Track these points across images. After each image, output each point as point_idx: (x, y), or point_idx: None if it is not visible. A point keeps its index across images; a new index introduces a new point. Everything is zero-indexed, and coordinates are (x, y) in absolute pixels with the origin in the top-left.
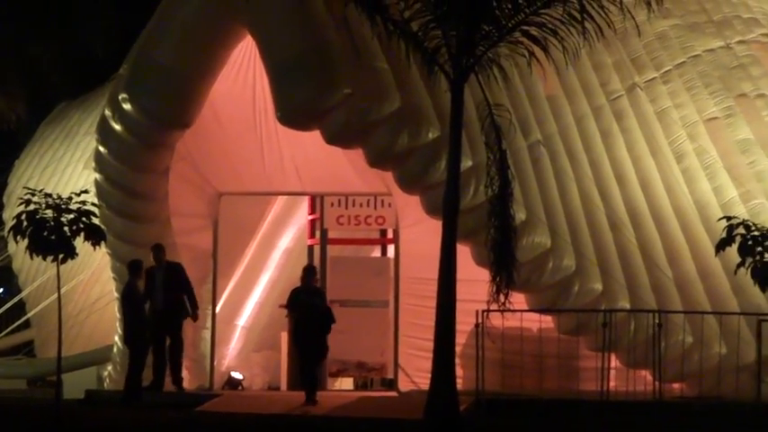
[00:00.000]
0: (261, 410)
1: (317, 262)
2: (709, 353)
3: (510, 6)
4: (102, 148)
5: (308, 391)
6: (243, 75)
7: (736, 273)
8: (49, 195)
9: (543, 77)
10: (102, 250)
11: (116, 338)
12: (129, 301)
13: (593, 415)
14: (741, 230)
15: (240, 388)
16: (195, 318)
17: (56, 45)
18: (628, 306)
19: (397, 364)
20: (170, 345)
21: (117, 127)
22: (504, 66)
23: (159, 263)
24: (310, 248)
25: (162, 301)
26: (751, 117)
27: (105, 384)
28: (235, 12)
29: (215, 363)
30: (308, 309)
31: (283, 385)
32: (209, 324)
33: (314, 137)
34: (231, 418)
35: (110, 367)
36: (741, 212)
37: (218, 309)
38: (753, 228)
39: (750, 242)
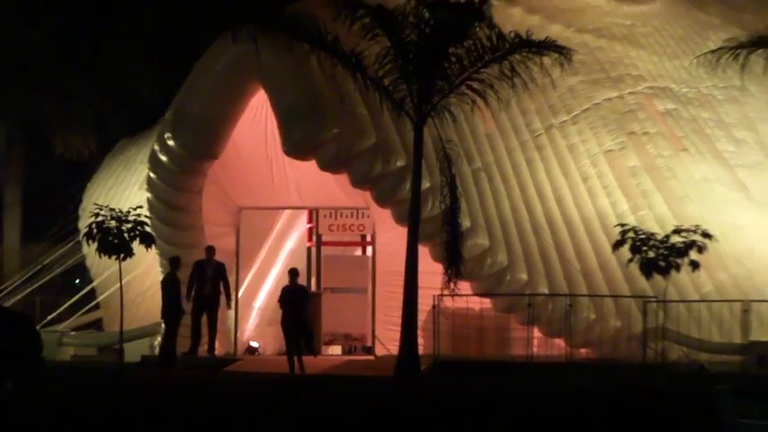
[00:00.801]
0: (272, 371)
1: (313, 260)
2: (607, 326)
3: (457, 67)
4: (152, 174)
5: (299, 359)
6: (257, 118)
7: (627, 266)
8: (113, 210)
9: (483, 119)
10: (153, 251)
11: None
12: (168, 287)
13: (521, 372)
14: (631, 234)
15: (257, 354)
16: (229, 305)
17: (116, 96)
18: (546, 291)
19: (374, 335)
20: (209, 321)
21: (163, 158)
22: (454, 111)
23: (210, 260)
24: (309, 249)
25: (210, 289)
26: (639, 149)
27: (156, 351)
28: (251, 71)
29: (238, 335)
30: (291, 302)
31: None
32: (233, 305)
33: (311, 164)
34: (250, 376)
35: (159, 338)
36: (631, 221)
37: (240, 294)
38: (640, 232)
39: (638, 243)
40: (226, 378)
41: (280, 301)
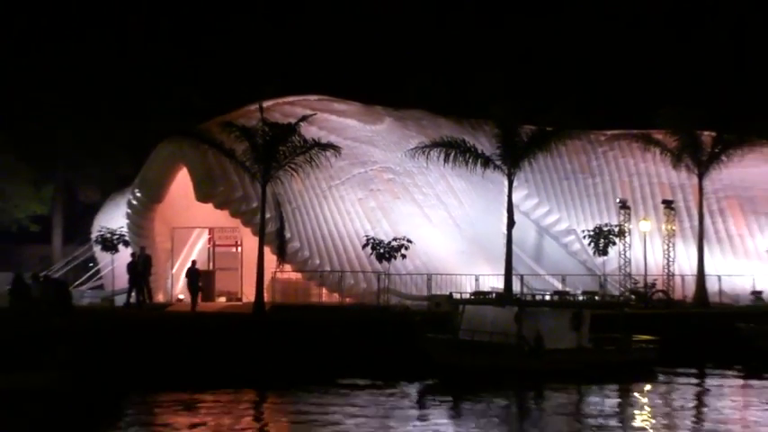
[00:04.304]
0: (185, 309)
1: (212, 254)
2: (359, 287)
3: (283, 156)
4: (128, 210)
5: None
6: (183, 181)
7: (370, 256)
8: (109, 228)
9: (297, 183)
10: (128, 249)
11: None
12: (131, 267)
13: (317, 310)
14: (372, 241)
15: (182, 301)
16: (149, 274)
17: (111, 170)
18: (329, 268)
19: (242, 291)
20: (145, 285)
21: (134, 202)
22: (282, 178)
23: (143, 253)
24: (209, 249)
25: (142, 268)
26: (375, 198)
27: (131, 301)
28: (179, 158)
29: (172, 291)
30: (192, 275)
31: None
32: (170, 276)
33: (209, 205)
34: (180, 313)
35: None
36: (372, 234)
37: (174, 270)
38: (376, 239)
39: (375, 245)
40: (167, 315)
41: (186, 275)
